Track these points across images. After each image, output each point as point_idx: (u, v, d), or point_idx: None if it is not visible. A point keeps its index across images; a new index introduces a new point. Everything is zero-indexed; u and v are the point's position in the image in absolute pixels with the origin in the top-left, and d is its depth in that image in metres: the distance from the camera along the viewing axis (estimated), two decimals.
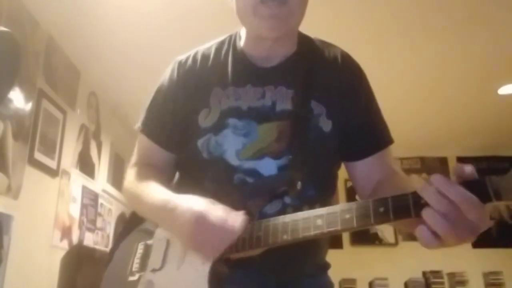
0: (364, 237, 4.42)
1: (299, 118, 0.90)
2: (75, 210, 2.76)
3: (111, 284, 0.98)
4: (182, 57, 1.03)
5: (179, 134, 0.97)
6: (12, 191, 2.06)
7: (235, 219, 0.76)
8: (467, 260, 4.23)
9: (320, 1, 2.28)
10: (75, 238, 2.73)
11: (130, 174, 1.00)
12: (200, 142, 0.92)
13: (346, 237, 4.40)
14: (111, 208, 3.49)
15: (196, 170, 0.94)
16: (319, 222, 0.71)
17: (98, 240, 3.15)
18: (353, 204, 0.68)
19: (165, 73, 1.03)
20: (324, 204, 0.73)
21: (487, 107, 3.73)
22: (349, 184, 4.56)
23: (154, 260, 0.89)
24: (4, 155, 2.01)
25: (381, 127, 0.97)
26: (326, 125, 0.91)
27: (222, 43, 1.02)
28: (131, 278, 0.91)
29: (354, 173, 0.96)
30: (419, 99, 3.53)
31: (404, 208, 0.63)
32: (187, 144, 0.95)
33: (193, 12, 2.37)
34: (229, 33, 1.05)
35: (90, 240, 2.99)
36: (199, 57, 1.00)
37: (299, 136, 0.89)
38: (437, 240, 0.60)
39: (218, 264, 0.79)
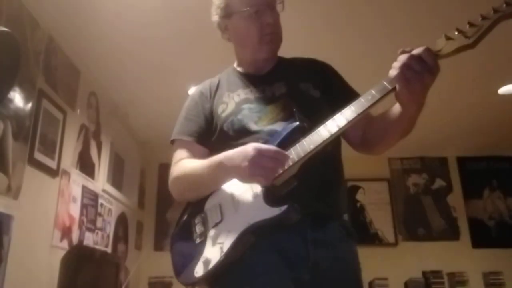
0: (364, 237, 4.42)
1: (295, 93, 1.20)
2: (75, 210, 2.76)
3: (183, 252, 1.13)
4: (199, 85, 1.34)
5: (208, 129, 1.22)
6: (12, 191, 2.06)
7: (279, 149, 1.00)
8: (467, 260, 4.23)
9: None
10: (75, 238, 2.73)
11: (175, 167, 1.21)
12: (225, 125, 1.18)
13: None
14: (111, 208, 3.49)
15: (227, 148, 1.10)
16: (323, 132, 1.00)
17: (98, 240, 3.15)
18: (349, 105, 1.00)
19: (188, 98, 1.33)
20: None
21: (487, 107, 3.73)
22: (349, 184, 4.57)
23: (213, 218, 1.08)
24: (4, 155, 2.01)
25: (354, 90, 1.25)
26: (315, 93, 1.21)
27: (223, 73, 1.34)
28: (198, 240, 1.09)
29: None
30: None
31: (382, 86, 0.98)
32: (215, 132, 1.20)
33: (192, 13, 2.37)
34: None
35: (90, 240, 2.99)
36: (209, 82, 1.33)
37: (298, 103, 1.15)
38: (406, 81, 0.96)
39: (269, 187, 1.01)
